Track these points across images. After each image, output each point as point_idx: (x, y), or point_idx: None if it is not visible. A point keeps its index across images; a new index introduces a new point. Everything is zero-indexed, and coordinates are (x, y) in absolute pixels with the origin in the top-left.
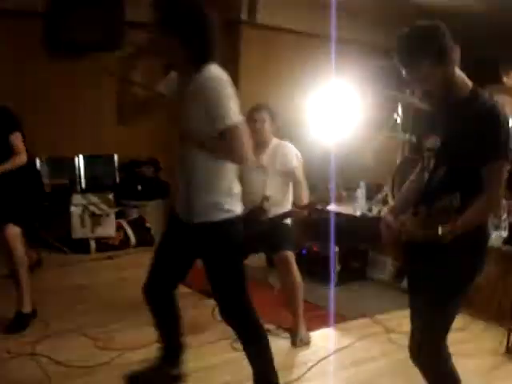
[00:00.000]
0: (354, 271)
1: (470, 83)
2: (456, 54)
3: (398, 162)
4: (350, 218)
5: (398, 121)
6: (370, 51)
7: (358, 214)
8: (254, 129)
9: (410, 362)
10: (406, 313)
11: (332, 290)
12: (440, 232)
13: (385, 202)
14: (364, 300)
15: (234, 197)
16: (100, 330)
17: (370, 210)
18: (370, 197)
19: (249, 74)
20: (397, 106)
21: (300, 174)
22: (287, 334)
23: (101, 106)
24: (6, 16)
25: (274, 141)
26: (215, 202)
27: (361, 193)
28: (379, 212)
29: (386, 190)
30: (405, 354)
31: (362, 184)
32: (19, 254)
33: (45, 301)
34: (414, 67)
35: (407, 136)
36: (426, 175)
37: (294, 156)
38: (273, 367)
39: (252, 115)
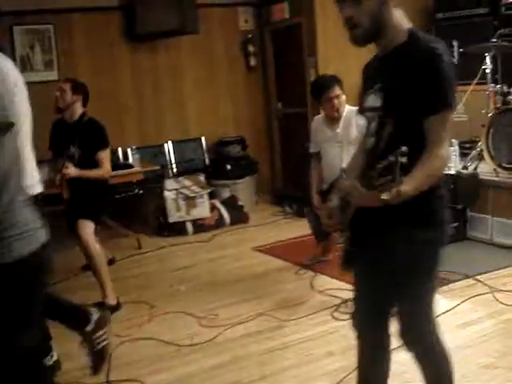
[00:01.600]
0: (454, 232)
1: (407, 25)
2: None
3: (490, 114)
4: (446, 178)
5: (487, 71)
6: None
7: (453, 172)
8: (330, 107)
9: None
10: (510, 271)
11: None
12: (385, 196)
13: (481, 157)
14: (466, 260)
15: None
16: (203, 309)
17: (465, 167)
18: (464, 153)
19: (326, 35)
20: (485, 56)
21: None
22: None
23: (182, 90)
24: (86, 13)
25: (346, 109)
26: None
27: (454, 151)
28: (475, 168)
29: (481, 145)
30: None
31: (455, 141)
32: (93, 248)
33: (149, 284)
34: None
35: (498, 86)
36: (372, 140)
37: None
38: None
39: (326, 94)
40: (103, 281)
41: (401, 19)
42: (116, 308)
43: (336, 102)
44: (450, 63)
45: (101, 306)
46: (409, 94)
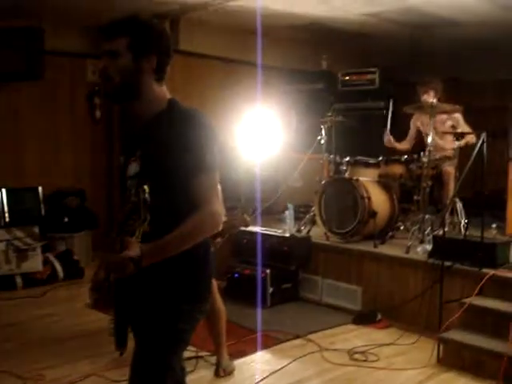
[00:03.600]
0: (286, 292)
1: (168, 96)
2: (166, 64)
3: (323, 181)
4: (280, 240)
5: (322, 142)
6: (292, 76)
7: (287, 235)
8: None
9: (345, 379)
10: (338, 330)
11: (261, 313)
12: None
13: (313, 222)
14: (297, 320)
15: None
16: (30, 368)
17: (299, 230)
18: (298, 217)
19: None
20: (321, 128)
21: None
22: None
23: (22, 136)
24: None
25: None
26: None
27: (289, 214)
28: (308, 232)
29: (314, 210)
30: (339, 372)
31: (290, 205)
32: None
33: None
34: (113, 40)
35: (331, 156)
36: (129, 206)
37: None
38: None
39: None
40: None
41: (163, 91)
42: None
43: None
44: (210, 127)
45: None
46: (168, 159)
